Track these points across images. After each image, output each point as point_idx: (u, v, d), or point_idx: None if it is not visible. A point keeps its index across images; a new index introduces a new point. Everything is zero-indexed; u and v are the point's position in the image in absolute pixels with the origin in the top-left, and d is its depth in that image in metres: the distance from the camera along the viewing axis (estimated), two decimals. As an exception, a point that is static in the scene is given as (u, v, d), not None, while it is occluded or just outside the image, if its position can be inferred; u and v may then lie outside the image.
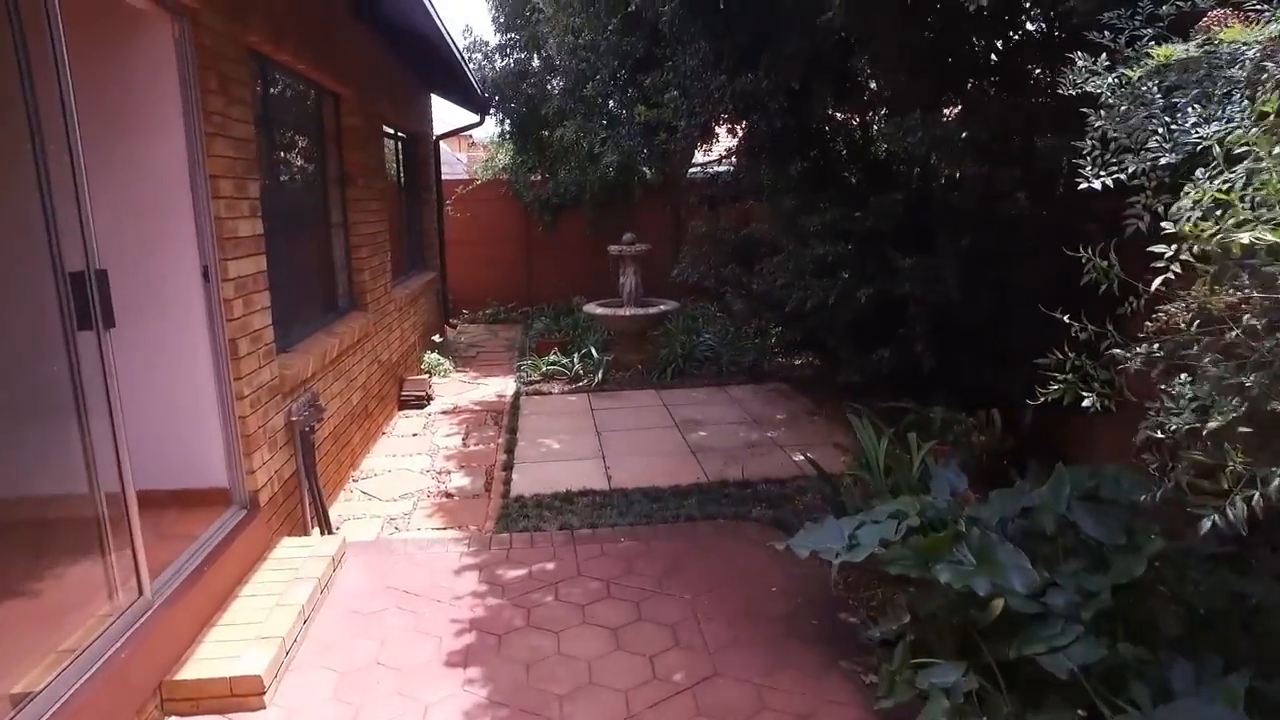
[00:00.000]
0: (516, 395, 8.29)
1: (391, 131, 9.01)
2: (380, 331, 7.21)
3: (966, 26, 4.35)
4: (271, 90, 5.09)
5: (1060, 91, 2.54)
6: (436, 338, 9.67)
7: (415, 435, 7.06)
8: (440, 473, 6.08)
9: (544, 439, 6.77)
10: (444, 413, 7.77)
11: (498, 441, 6.78)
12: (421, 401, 7.93)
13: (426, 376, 8.19)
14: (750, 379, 8.67)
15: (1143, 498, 2.47)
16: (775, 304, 7.26)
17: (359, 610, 3.90)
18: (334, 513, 5.26)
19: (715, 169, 9.16)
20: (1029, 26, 4.48)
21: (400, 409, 7.87)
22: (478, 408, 7.92)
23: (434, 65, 8.47)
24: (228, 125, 3.84)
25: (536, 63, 11.46)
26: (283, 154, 5.42)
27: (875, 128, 7.28)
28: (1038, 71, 4.59)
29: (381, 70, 7.65)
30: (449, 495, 5.63)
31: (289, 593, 3.71)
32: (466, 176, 13.44)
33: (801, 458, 6.09)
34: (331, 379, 5.54)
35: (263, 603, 3.61)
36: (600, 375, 8.69)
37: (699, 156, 11.49)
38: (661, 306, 9.48)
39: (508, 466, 6.10)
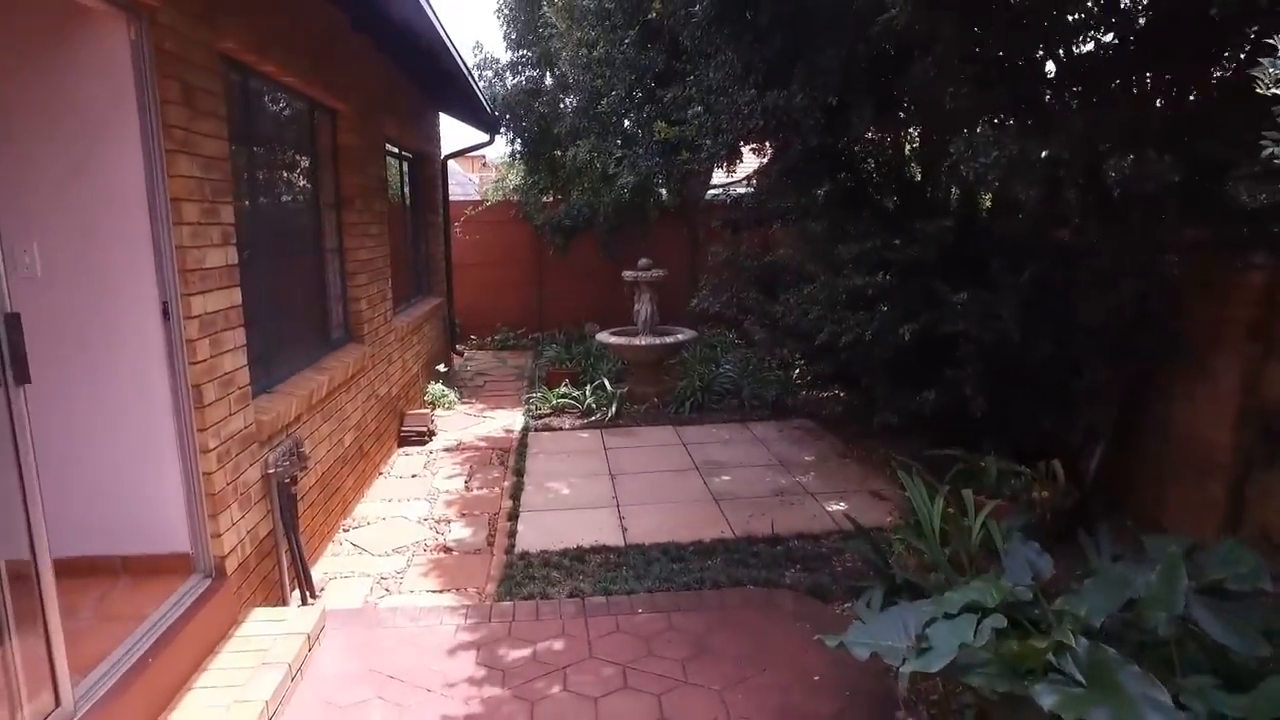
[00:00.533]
0: (524, 431, 7.77)
1: (395, 150, 8.58)
2: (378, 364, 6.73)
3: (1037, 33, 3.84)
4: (255, 104, 4.64)
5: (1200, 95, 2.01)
6: (441, 367, 9.18)
7: (415, 476, 6.54)
8: (439, 521, 5.55)
9: (553, 482, 6.24)
10: (447, 450, 7.25)
11: (503, 485, 6.25)
12: (423, 438, 7.43)
13: (428, 411, 7.69)
14: (773, 415, 8.12)
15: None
16: (802, 335, 6.73)
17: (335, 701, 3.36)
18: (319, 570, 4.73)
19: (737, 191, 8.66)
20: (1104, 38, 3.96)
21: (400, 445, 7.36)
22: (483, 444, 7.40)
23: (441, 81, 8.05)
24: (193, 141, 3.36)
25: (549, 81, 11.06)
26: (268, 174, 4.96)
27: (910, 147, 6.79)
28: (1115, 84, 4.06)
29: (384, 86, 7.22)
30: (447, 549, 5.09)
31: (253, 684, 3.17)
32: (478, 198, 13.03)
33: (837, 507, 5.53)
34: (319, 420, 5.04)
35: (220, 698, 3.08)
36: (614, 409, 8.16)
37: (718, 177, 11.04)
38: (679, 336, 8.96)
39: (513, 515, 5.56)
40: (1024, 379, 4.85)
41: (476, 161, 20.82)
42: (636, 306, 9.27)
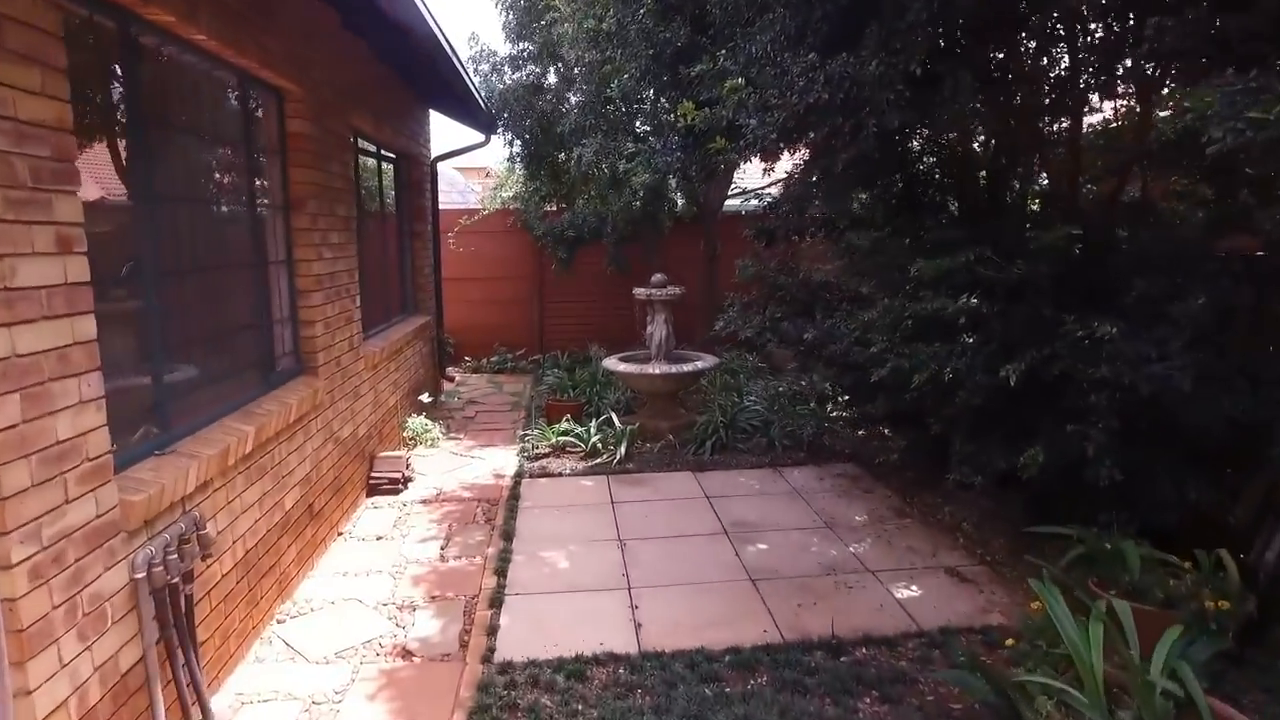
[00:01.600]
0: (517, 477, 6.59)
1: (373, 149, 7.46)
2: (340, 400, 5.57)
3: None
4: (149, 67, 3.50)
5: None
6: (425, 397, 8.01)
7: (380, 539, 5.36)
8: (402, 607, 4.36)
9: (548, 550, 5.05)
10: (424, 502, 6.07)
11: (486, 553, 5.06)
12: (397, 486, 6.25)
13: (403, 454, 6.50)
14: (810, 458, 6.92)
15: None
16: (850, 368, 5.56)
17: None
18: (229, 692, 3.55)
19: (768, 194, 7.50)
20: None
21: (369, 495, 6.19)
22: (467, 494, 6.22)
23: (426, 71, 6.94)
24: (-6, 98, 2.22)
25: (552, 79, 9.95)
26: (174, 163, 3.81)
27: (985, 140, 5.61)
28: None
29: (354, 71, 6.10)
30: (407, 653, 3.90)
31: None
32: (475, 206, 11.90)
33: (908, 592, 4.33)
34: (242, 483, 3.87)
35: None
36: (622, 450, 6.98)
37: (748, 181, 9.89)
38: (698, 363, 7.78)
39: (495, 601, 4.37)
40: (1172, 438, 3.66)
41: (480, 170, 19.75)
42: (649, 329, 8.11)
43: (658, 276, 7.94)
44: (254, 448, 3.96)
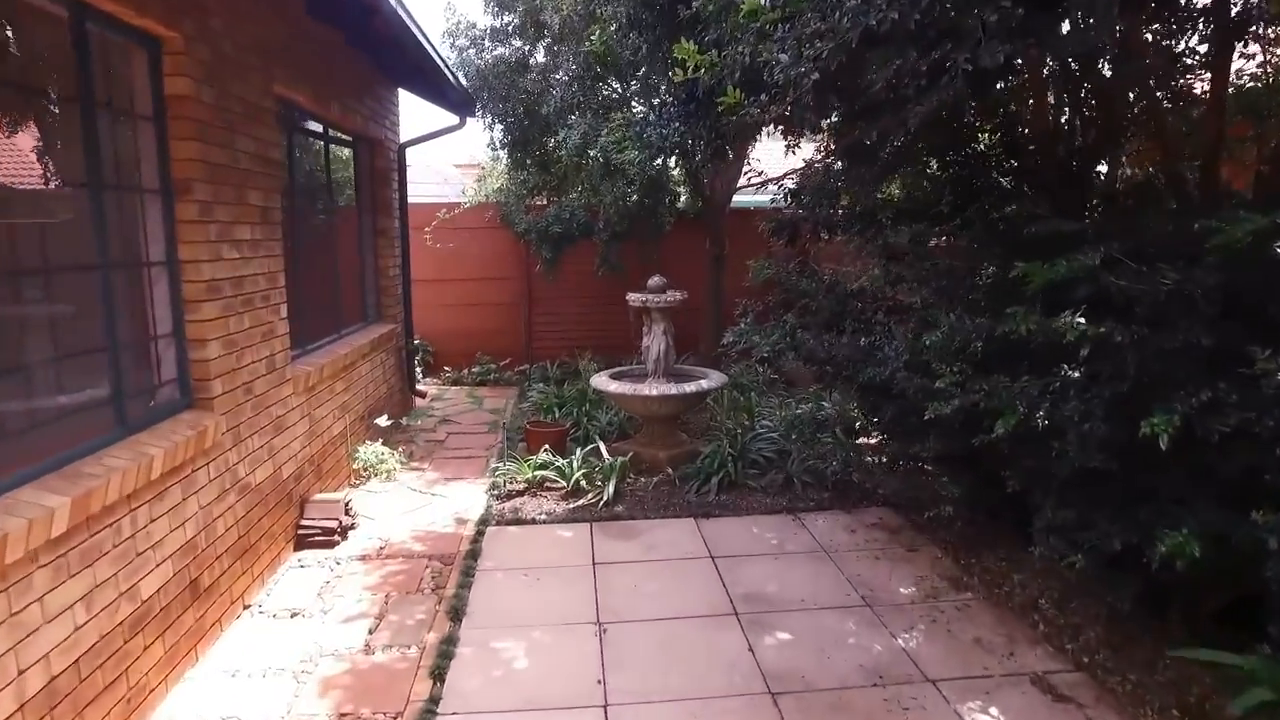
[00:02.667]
0: (483, 523, 5.44)
1: (320, 129, 6.32)
2: (253, 435, 4.42)
3: None
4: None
5: None
6: (382, 420, 6.84)
7: (296, 615, 4.21)
8: (298, 732, 3.22)
9: (504, 639, 3.90)
10: (363, 558, 4.93)
11: (426, 639, 3.91)
12: (332, 537, 5.10)
13: (341, 498, 5.34)
14: (836, 499, 5.75)
15: None
16: (891, 394, 4.41)
17: None
18: None
19: (785, 184, 6.32)
20: None
21: (298, 549, 5.04)
22: (418, 548, 5.08)
23: (381, 37, 5.79)
24: None
25: (541, 56, 8.79)
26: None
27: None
28: None
29: (280, 29, 4.96)
30: (286, 818, 2.75)
31: None
32: (456, 199, 10.74)
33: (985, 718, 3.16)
34: (45, 581, 2.72)
35: None
36: (611, 489, 5.82)
37: (758, 163, 8.69)
38: (702, 383, 6.61)
39: (424, 726, 3.22)
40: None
41: (478, 165, 18.56)
42: (645, 341, 6.94)
43: (655, 279, 6.78)
44: (73, 526, 2.81)
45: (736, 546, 4.99)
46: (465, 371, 10.41)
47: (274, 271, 4.80)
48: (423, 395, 8.67)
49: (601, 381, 6.72)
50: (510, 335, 10.78)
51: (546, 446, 6.44)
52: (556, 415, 7.71)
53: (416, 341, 10.62)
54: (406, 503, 5.91)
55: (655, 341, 6.82)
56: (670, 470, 6.33)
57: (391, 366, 7.90)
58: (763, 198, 10.43)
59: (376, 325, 7.60)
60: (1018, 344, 3.29)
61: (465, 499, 5.98)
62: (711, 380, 6.72)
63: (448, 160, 18.76)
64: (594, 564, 4.76)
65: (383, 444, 6.63)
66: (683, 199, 9.66)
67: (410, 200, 11.11)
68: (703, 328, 9.59)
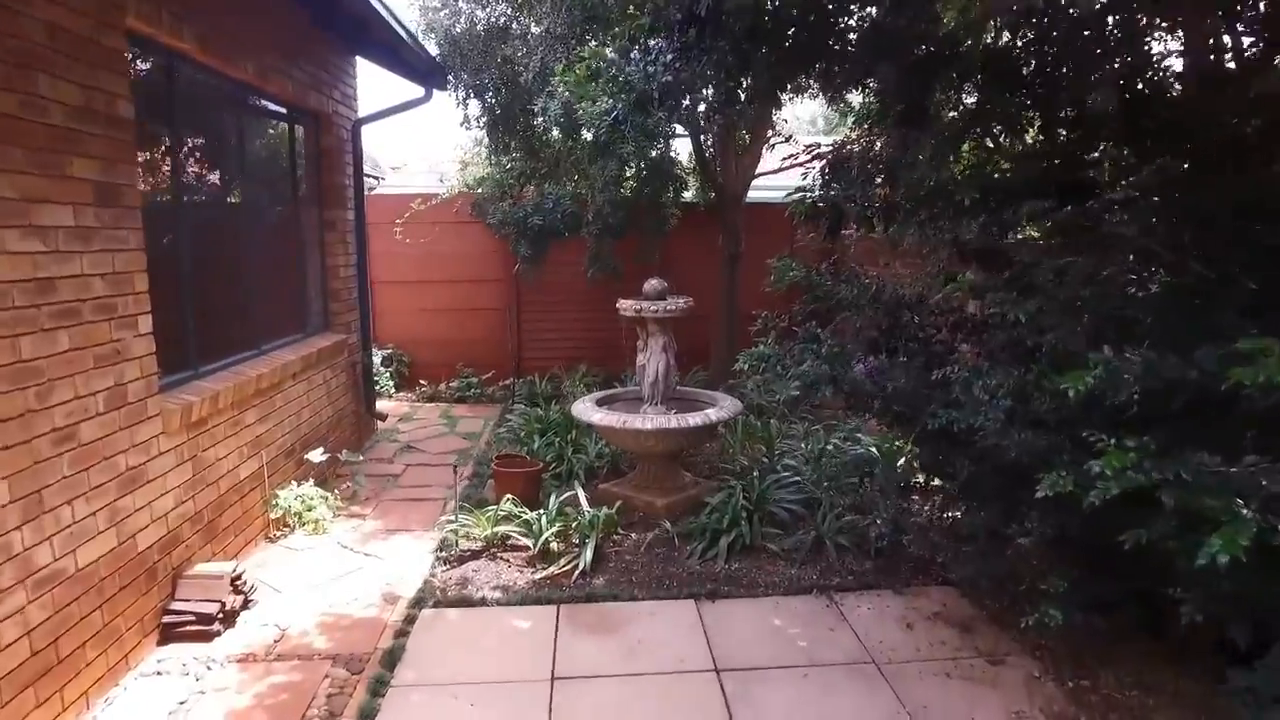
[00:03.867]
0: (417, 604, 4.14)
1: (233, 93, 5.06)
2: (65, 504, 3.15)
3: None
4: None
5: None
6: (315, 455, 5.53)
7: (115, 766, 2.93)
8: None
9: (402, 827, 2.59)
10: (244, 659, 3.64)
11: (284, 826, 2.61)
12: (210, 626, 3.81)
13: (227, 571, 4.03)
14: (883, 574, 4.39)
15: None
16: (976, 450, 3.09)
17: None
18: None
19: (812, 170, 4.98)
20: None
21: (164, 642, 3.77)
22: (323, 643, 3.79)
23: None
24: None
25: (534, 30, 7.49)
26: None
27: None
28: None
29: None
30: None
31: None
32: (434, 190, 9.47)
33: None
34: None
35: None
36: (589, 554, 4.51)
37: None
38: (710, 412, 5.27)
39: None
40: None
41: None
42: (640, 358, 5.62)
43: (652, 283, 5.46)
44: None
45: (753, 651, 3.64)
46: (443, 386, 9.13)
47: (125, 272, 3.53)
48: (383, 418, 7.39)
49: (585, 410, 5.40)
50: (496, 345, 9.49)
51: (510, 496, 5.11)
52: (536, 445, 6.40)
53: (389, 351, 9.39)
54: (328, 567, 4.62)
55: (653, 360, 5.50)
56: (668, 524, 5.00)
57: (342, 385, 6.62)
58: (781, 188, 9.07)
59: (320, 336, 6.33)
60: (1218, 396, 1.95)
61: (404, 562, 4.68)
62: (722, 408, 5.38)
63: (449, 151, 17.54)
64: (553, 678, 3.44)
65: (316, 484, 5.36)
66: (691, 190, 8.33)
67: (385, 191, 9.92)
68: (714, 339, 8.26)
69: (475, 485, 5.99)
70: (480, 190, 7.63)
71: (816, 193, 4.39)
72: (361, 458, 6.57)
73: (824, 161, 4.09)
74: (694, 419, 5.13)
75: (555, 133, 7.78)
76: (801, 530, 4.80)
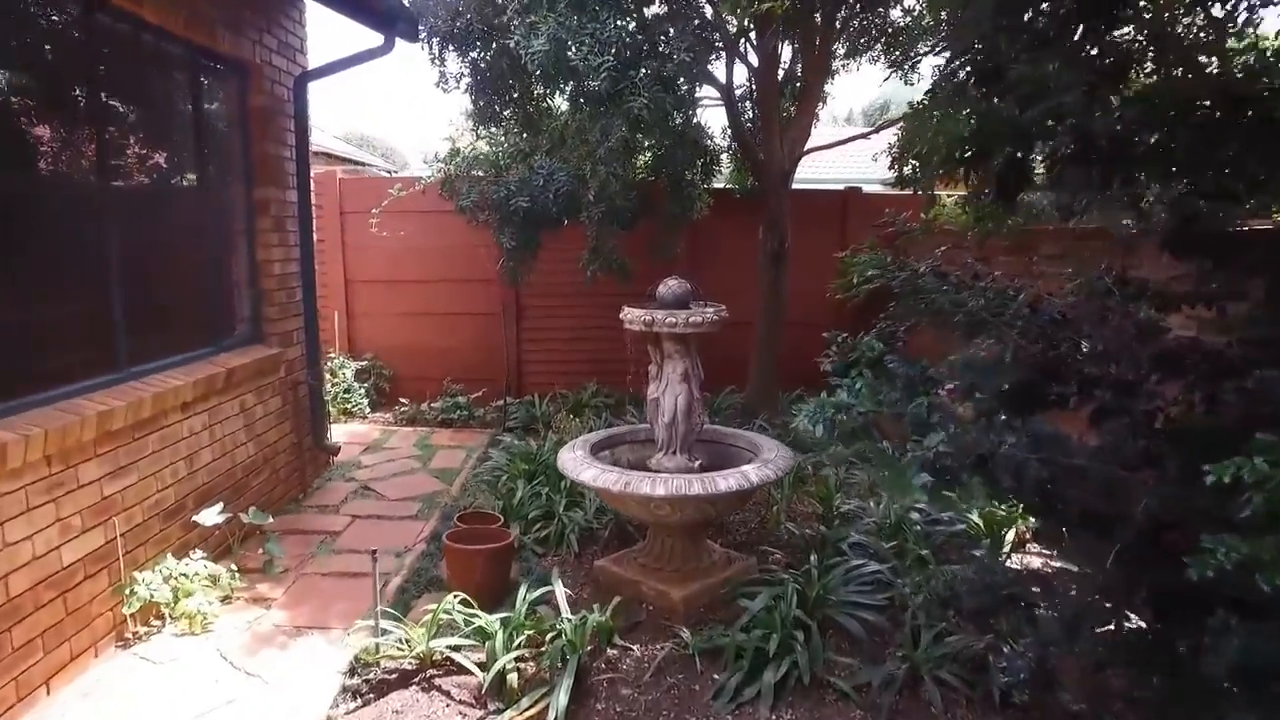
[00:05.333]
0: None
1: (122, 31, 3.61)
2: None
3: None
4: None
5: None
6: (208, 516, 4.04)
7: None
8: None
9: None
10: None
11: None
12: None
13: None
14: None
15: None
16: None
17: None
18: None
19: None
20: None
21: None
22: None
23: None
24: None
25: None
26: None
27: None
28: None
29: None
30: None
31: None
32: (416, 174, 8.01)
33: None
34: None
35: None
36: (564, 697, 2.98)
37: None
38: (749, 471, 3.70)
39: None
40: None
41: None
42: (653, 389, 4.09)
43: (670, 284, 3.93)
44: None
45: None
46: (427, 406, 7.67)
47: None
48: (335, 451, 5.92)
49: (574, 463, 3.86)
50: (491, 356, 8.01)
51: (461, 592, 3.60)
52: (520, 494, 4.91)
53: (366, 362, 7.97)
54: (184, 700, 3.15)
55: (670, 392, 3.96)
56: (685, 634, 3.45)
57: (274, 413, 5.18)
58: (826, 181, 7.53)
59: (240, 352, 4.87)
60: None
61: (299, 689, 3.19)
62: (766, 462, 3.82)
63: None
64: None
65: (213, 556, 3.91)
66: (724, 170, 6.78)
67: (363, 175, 8.51)
68: (752, 353, 6.70)
69: (434, 552, 4.50)
70: (452, 166, 6.05)
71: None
72: (306, 504, 5.12)
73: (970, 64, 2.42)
74: (727, 480, 3.58)
75: (556, 99, 6.29)
76: (885, 648, 3.23)
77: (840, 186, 8.36)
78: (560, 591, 3.54)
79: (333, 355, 7.85)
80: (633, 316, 3.86)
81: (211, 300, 4.74)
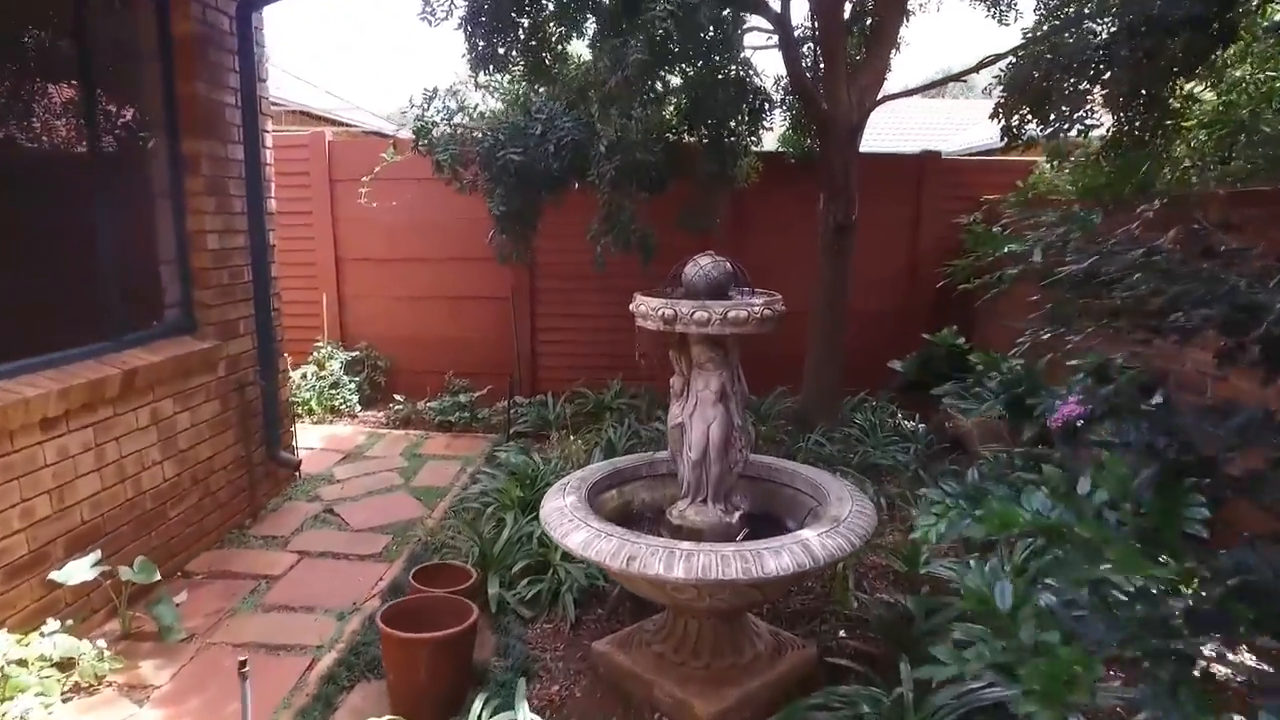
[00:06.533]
0: None
1: None
2: None
3: None
4: None
5: None
6: (69, 574, 3.01)
7: None
8: None
9: None
10: None
11: None
12: None
13: None
14: None
15: None
16: None
17: None
18: None
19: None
20: None
21: None
22: None
23: None
24: None
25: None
26: None
27: None
28: None
29: None
30: None
31: None
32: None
33: None
34: None
35: None
36: None
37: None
38: (810, 541, 2.50)
39: None
40: None
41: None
42: (676, 411, 2.91)
43: (702, 263, 2.76)
44: None
45: None
46: (424, 404, 6.61)
47: None
48: (294, 467, 4.87)
49: (561, 518, 2.71)
50: (503, 347, 6.93)
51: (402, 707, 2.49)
52: (505, 536, 3.80)
53: (359, 353, 6.95)
54: None
55: (699, 418, 2.79)
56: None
57: (210, 422, 4.15)
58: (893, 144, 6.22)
59: (155, 346, 3.83)
60: None
61: None
62: (839, 523, 2.62)
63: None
64: None
65: (65, 628, 2.88)
66: (774, 127, 5.54)
67: (350, 133, 7.47)
68: (808, 349, 5.49)
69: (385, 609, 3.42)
70: (429, 111, 4.79)
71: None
72: (250, 535, 4.08)
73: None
74: (779, 558, 2.39)
75: (575, 44, 5.12)
76: None
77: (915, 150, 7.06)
78: (527, 720, 2.41)
79: (320, 344, 6.85)
80: (647, 308, 2.69)
81: (113, 282, 3.69)
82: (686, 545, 2.43)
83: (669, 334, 2.75)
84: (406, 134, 5.10)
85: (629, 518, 3.11)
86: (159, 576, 3.27)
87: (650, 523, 3.07)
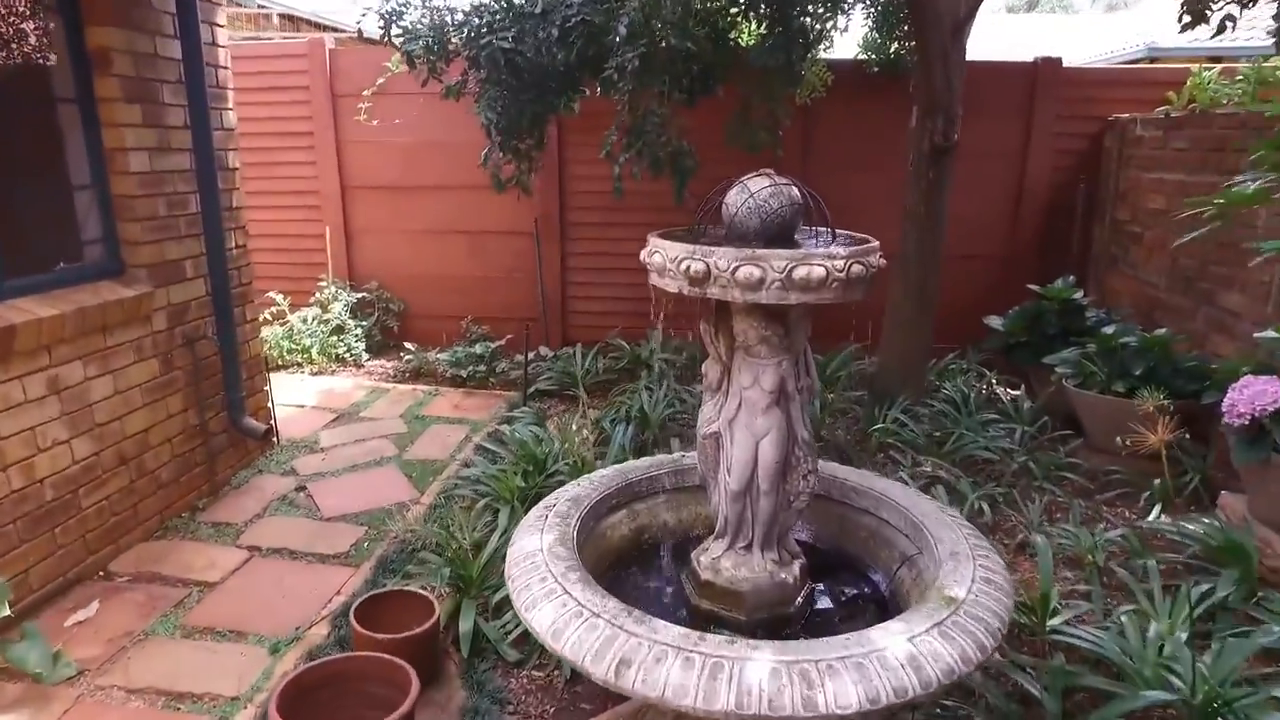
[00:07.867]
0: None
1: None
2: None
3: None
4: None
5: None
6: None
7: None
8: None
9: None
10: None
11: None
12: None
13: None
14: None
15: None
16: None
17: None
18: None
19: None
20: None
21: None
22: None
23: None
24: None
25: None
26: None
27: None
28: None
29: None
30: None
31: None
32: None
33: None
34: None
35: None
36: None
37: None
38: (925, 650, 1.54)
39: None
40: None
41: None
42: (708, 413, 1.95)
43: (754, 189, 1.76)
44: None
45: None
46: (437, 354, 5.78)
47: None
48: (264, 434, 4.07)
49: (527, 573, 1.80)
50: (532, 289, 6.03)
51: None
52: (491, 548, 2.95)
53: (367, 294, 6.16)
54: None
55: (743, 428, 1.83)
56: None
57: (145, 386, 3.38)
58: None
59: (53, 296, 3.02)
60: None
61: None
62: (957, 607, 1.66)
63: None
64: None
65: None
66: (856, 25, 4.40)
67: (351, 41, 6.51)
68: (888, 300, 4.43)
69: (345, 638, 2.62)
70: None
71: None
72: (197, 522, 3.33)
73: None
74: (858, 688, 1.46)
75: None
76: None
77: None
78: None
79: (324, 282, 6.06)
80: (664, 258, 1.73)
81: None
82: (717, 644, 1.52)
83: (698, 294, 1.78)
84: (373, 27, 4.09)
85: (641, 557, 2.20)
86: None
87: (673, 566, 2.17)
